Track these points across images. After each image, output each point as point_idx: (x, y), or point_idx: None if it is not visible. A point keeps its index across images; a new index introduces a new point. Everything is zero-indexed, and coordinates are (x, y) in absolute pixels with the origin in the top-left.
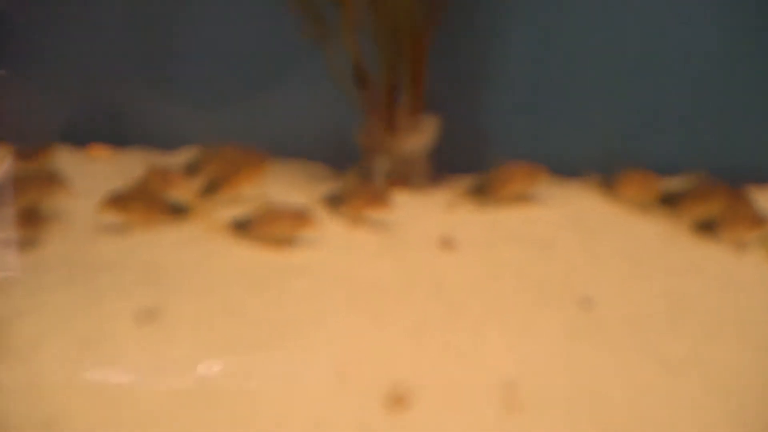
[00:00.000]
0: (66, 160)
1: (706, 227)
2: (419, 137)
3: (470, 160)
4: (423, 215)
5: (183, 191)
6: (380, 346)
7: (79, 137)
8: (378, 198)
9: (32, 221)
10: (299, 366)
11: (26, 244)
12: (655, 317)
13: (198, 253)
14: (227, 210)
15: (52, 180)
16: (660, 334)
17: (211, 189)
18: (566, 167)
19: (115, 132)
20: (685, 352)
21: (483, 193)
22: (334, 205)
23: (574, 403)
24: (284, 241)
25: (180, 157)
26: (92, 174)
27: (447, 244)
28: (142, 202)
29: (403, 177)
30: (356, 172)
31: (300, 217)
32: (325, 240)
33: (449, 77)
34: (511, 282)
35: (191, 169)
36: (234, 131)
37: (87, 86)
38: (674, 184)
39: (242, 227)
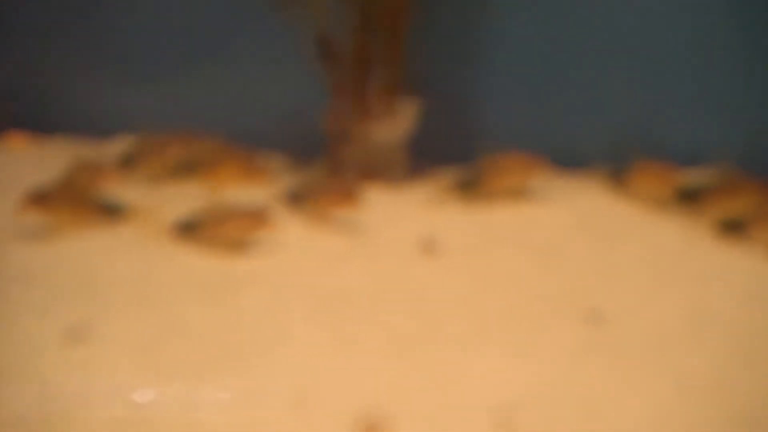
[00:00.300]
0: None
1: (733, 227)
2: (396, 123)
3: (457, 150)
4: (400, 214)
5: (117, 187)
6: (349, 369)
7: None
8: (347, 194)
9: None
10: (253, 393)
11: None
12: (675, 334)
13: (136, 260)
14: (171, 209)
15: None
16: (680, 354)
17: (130, 163)
18: (570, 157)
19: (35, 118)
20: (708, 374)
21: (472, 188)
22: (297, 202)
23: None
24: (237, 246)
25: (114, 148)
26: (9, 167)
27: (428, 248)
28: (69, 200)
29: (377, 169)
30: (322, 163)
31: (256, 217)
32: (285, 244)
33: (432, 52)
34: (506, 294)
35: (127, 162)
36: (177, 115)
37: (1, 65)
38: (695, 176)
39: (188, 229)
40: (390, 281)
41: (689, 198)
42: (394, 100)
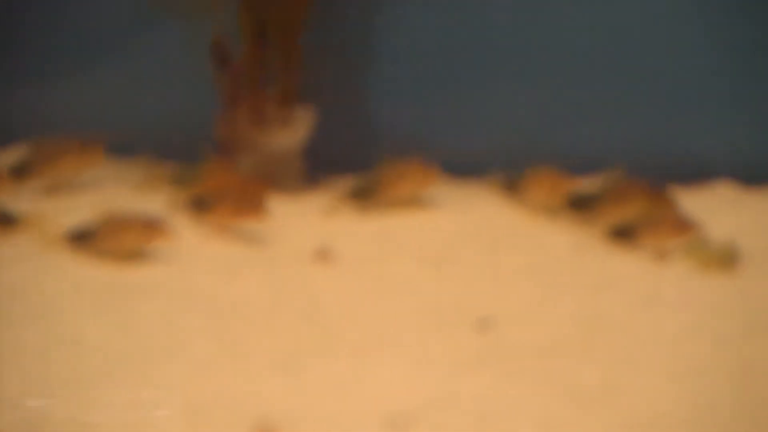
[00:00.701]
0: None
1: (624, 234)
2: (291, 131)
3: (352, 158)
4: (296, 223)
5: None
6: (244, 381)
7: None
8: (246, 203)
9: None
10: (146, 406)
11: None
12: (567, 342)
13: (26, 270)
14: (65, 218)
15: None
16: (571, 361)
17: (23, 172)
18: (465, 166)
19: None
20: (599, 382)
21: (367, 196)
22: (196, 211)
23: None
24: (132, 255)
25: (6, 156)
26: None
27: (324, 257)
28: None
29: (272, 178)
30: (215, 171)
31: (151, 227)
32: (181, 254)
33: (328, 59)
34: (400, 302)
35: (20, 170)
36: (64, 121)
37: None
38: (587, 184)
39: (81, 239)
40: (286, 291)
41: (581, 205)
42: (290, 108)
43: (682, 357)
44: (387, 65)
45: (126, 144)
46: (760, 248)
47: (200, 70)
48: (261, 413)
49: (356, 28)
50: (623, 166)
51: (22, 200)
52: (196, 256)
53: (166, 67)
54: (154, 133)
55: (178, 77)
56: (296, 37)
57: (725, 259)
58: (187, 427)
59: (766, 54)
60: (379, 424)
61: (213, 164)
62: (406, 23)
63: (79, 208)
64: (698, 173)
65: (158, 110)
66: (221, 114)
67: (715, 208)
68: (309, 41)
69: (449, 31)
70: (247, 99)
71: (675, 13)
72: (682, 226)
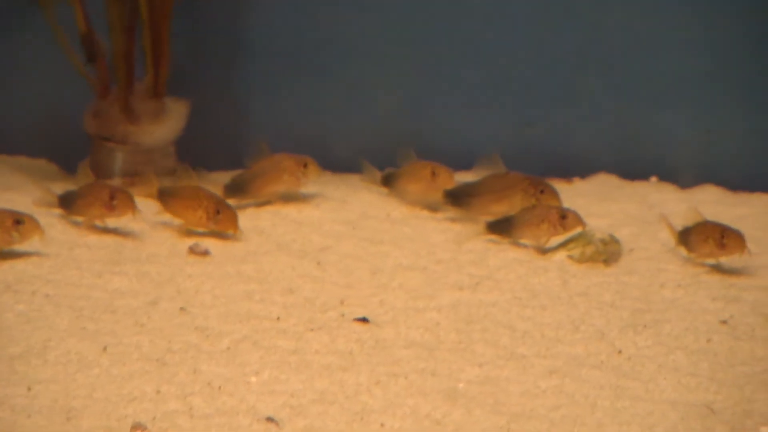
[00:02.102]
0: None
1: (504, 228)
2: (163, 125)
3: (228, 153)
4: (171, 220)
5: None
6: (115, 380)
7: None
8: (117, 200)
9: None
10: (15, 408)
11: None
12: (445, 337)
13: None
14: None
15: None
16: (450, 357)
17: None
18: (340, 160)
19: None
20: (477, 377)
21: (243, 191)
22: (65, 208)
23: None
24: (0, 252)
25: None
26: None
27: (198, 254)
28: None
29: (145, 174)
30: (87, 167)
31: (18, 224)
32: (50, 251)
33: (201, 53)
34: (276, 300)
35: None
36: None
37: None
38: (466, 178)
39: None
40: (159, 288)
41: (460, 199)
42: (162, 102)
43: (561, 351)
44: (261, 60)
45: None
46: (641, 241)
47: (76, 67)
48: (134, 415)
49: (228, 21)
50: (499, 156)
51: None
52: (66, 253)
53: (37, 61)
54: (26, 128)
55: (48, 71)
56: (165, 30)
57: (606, 252)
58: (60, 428)
59: (647, 51)
60: (255, 422)
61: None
62: (279, 19)
63: None
64: (579, 167)
65: (30, 105)
66: (92, 108)
67: (597, 201)
68: (181, 35)
69: (324, 25)
70: (119, 93)
71: (545, 8)
72: (564, 219)
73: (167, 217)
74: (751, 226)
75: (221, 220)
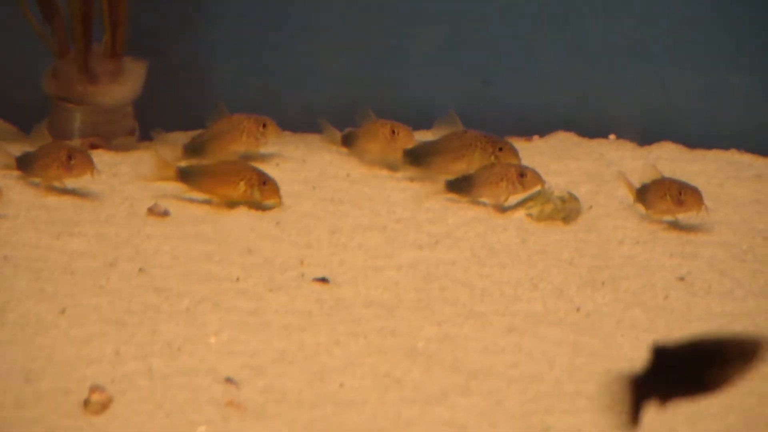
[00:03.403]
0: None
1: (463, 187)
2: (122, 85)
3: (188, 113)
4: (129, 181)
5: None
6: (74, 342)
7: None
8: (75, 160)
9: None
10: None
11: None
12: (405, 296)
13: None
14: None
15: None
16: (409, 316)
17: None
18: (301, 120)
19: None
20: (436, 336)
21: (203, 152)
22: (23, 169)
23: (307, 402)
24: None
25: None
26: None
27: (158, 215)
28: None
29: (105, 134)
30: (45, 128)
31: None
32: (8, 212)
33: (160, 13)
34: (235, 260)
35: None
36: None
37: None
38: (426, 137)
39: None
40: (120, 248)
41: (419, 158)
42: (120, 62)
43: (520, 309)
44: (220, 20)
45: None
46: (600, 199)
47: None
48: (93, 375)
49: None
50: (458, 115)
51: None
52: (25, 214)
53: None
54: None
55: (5, 32)
56: None
57: (565, 210)
58: (22, 390)
59: (606, 8)
60: (215, 382)
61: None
62: None
63: None
64: (538, 125)
65: None
66: (50, 68)
67: (556, 159)
68: None
69: None
70: (77, 53)
71: None
72: (522, 177)
73: (125, 177)
74: (708, 183)
75: (266, 191)
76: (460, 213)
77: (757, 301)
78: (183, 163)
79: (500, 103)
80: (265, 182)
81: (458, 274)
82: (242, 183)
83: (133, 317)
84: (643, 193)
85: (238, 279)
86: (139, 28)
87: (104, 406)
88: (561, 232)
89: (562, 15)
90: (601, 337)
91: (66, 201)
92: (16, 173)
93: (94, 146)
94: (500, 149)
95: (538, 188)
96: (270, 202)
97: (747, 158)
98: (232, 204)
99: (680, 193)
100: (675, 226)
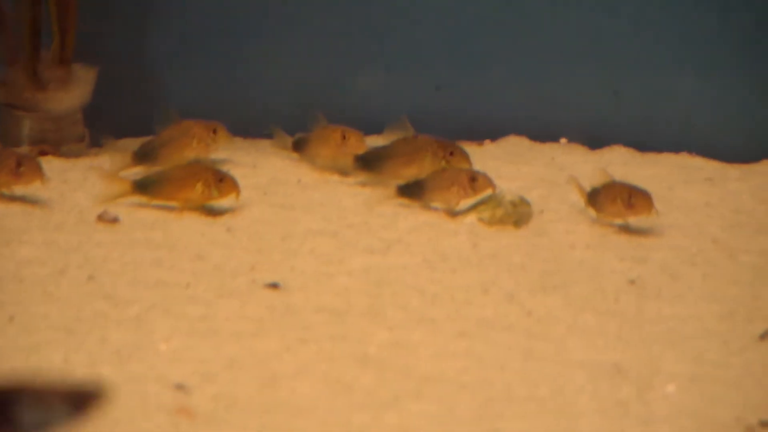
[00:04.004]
0: None
1: (414, 192)
2: (71, 92)
3: (137, 120)
4: (79, 188)
5: None
6: (22, 350)
7: None
8: (24, 167)
9: None
10: None
11: None
12: (356, 302)
13: None
14: None
15: None
16: (361, 322)
17: None
18: (252, 125)
19: None
20: (388, 341)
21: (154, 159)
22: None
23: (258, 408)
24: None
25: None
26: None
27: (108, 221)
28: None
29: (54, 141)
30: None
31: None
32: None
33: (109, 18)
34: (185, 266)
35: None
36: None
37: None
38: (377, 141)
39: None
40: (69, 255)
41: (370, 163)
42: (69, 69)
43: (471, 314)
44: (169, 25)
45: None
46: (551, 203)
47: None
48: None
49: None
50: (410, 120)
51: None
52: None
53: None
54: None
55: None
56: None
57: (517, 214)
58: None
59: (556, 12)
60: (164, 389)
61: None
62: None
63: None
64: (490, 129)
65: None
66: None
67: (508, 163)
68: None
69: None
70: (25, 59)
71: None
72: (474, 182)
73: (75, 183)
74: (659, 186)
75: (224, 187)
76: (412, 218)
77: (707, 304)
78: (133, 170)
79: (452, 108)
80: (222, 179)
81: (409, 279)
82: (199, 184)
83: (82, 325)
84: (594, 197)
85: (188, 285)
86: (87, 35)
87: None
88: (512, 236)
89: (514, 20)
90: (553, 341)
91: (15, 208)
92: None
93: (43, 153)
94: (451, 154)
95: (489, 192)
96: (230, 195)
97: (698, 162)
98: (193, 208)
99: (631, 197)
100: (626, 229)
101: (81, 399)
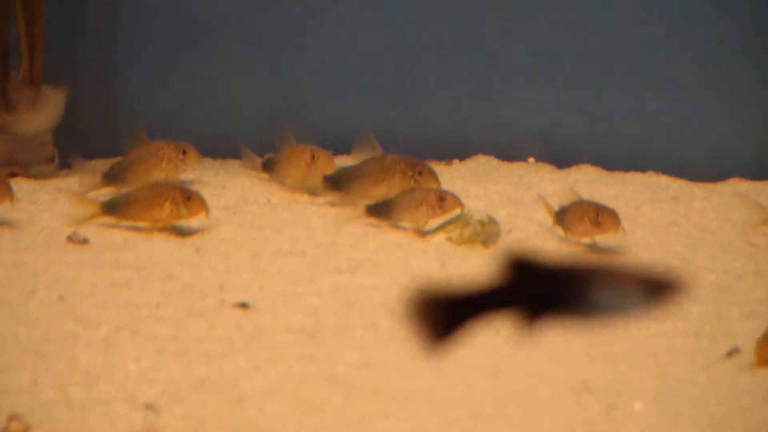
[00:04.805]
0: None
1: (383, 211)
2: (41, 114)
3: (106, 141)
4: (48, 209)
5: None
6: None
7: None
8: None
9: None
10: None
11: None
12: (325, 322)
13: None
14: None
15: None
16: (329, 342)
17: None
18: (220, 145)
19: None
20: (358, 361)
21: (123, 179)
22: None
23: (227, 428)
24: None
25: None
26: None
27: (77, 242)
28: None
29: (23, 162)
30: None
31: None
32: None
33: (77, 39)
34: (154, 287)
35: None
36: None
37: None
38: (347, 162)
39: None
40: (37, 277)
41: (339, 183)
42: (38, 91)
43: None
44: (138, 45)
45: None
46: (519, 222)
47: None
48: (10, 404)
49: (104, 5)
50: (377, 139)
51: None
52: None
53: None
54: None
55: None
56: (39, 16)
57: (485, 233)
58: None
59: (521, 31)
60: (133, 410)
61: None
62: (156, 1)
63: None
64: (458, 149)
65: None
66: None
67: (475, 182)
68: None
69: (203, 8)
70: None
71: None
72: (442, 201)
73: (44, 205)
74: (626, 205)
75: (193, 206)
76: (381, 237)
77: (673, 322)
78: (103, 191)
79: (420, 128)
80: (190, 197)
81: (378, 298)
82: (167, 203)
83: (51, 346)
84: (561, 216)
85: (157, 305)
86: (55, 56)
87: None
88: (481, 255)
89: (480, 39)
90: (521, 358)
91: None
92: None
93: (12, 174)
94: (420, 173)
95: (457, 212)
96: (200, 214)
97: (664, 180)
98: (162, 228)
99: (598, 215)
100: (593, 248)
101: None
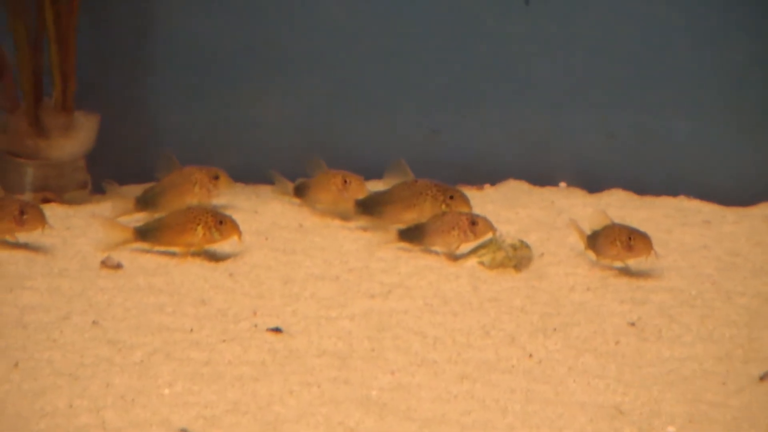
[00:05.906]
0: None
1: (415, 236)
2: (73, 139)
3: (139, 166)
4: (82, 234)
5: None
6: (26, 396)
7: None
8: (27, 215)
9: None
10: None
11: None
12: (358, 345)
13: None
14: None
15: None
16: (362, 365)
17: None
18: (253, 171)
19: None
20: (389, 384)
21: (155, 204)
22: None
23: None
24: None
25: None
26: None
27: (111, 267)
28: None
29: (56, 188)
30: None
31: None
32: None
33: (109, 65)
34: (188, 311)
35: None
36: None
37: None
38: (378, 187)
39: None
40: (72, 301)
41: (371, 207)
42: (71, 116)
43: (472, 357)
44: (169, 72)
45: None
46: (551, 246)
47: None
48: (46, 429)
49: (134, 34)
50: (408, 164)
51: None
52: None
53: None
54: None
55: None
56: (71, 43)
57: (517, 257)
58: None
59: (550, 57)
60: None
61: None
62: (184, 30)
63: None
64: (489, 173)
65: None
66: (1, 124)
67: (507, 207)
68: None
69: (230, 36)
70: (27, 108)
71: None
72: (474, 225)
73: (78, 230)
74: (657, 229)
75: (225, 229)
76: (413, 262)
77: (705, 345)
78: (136, 216)
79: (451, 152)
80: (222, 221)
81: (411, 322)
82: (200, 227)
83: (86, 370)
84: (593, 240)
85: (191, 330)
86: (88, 82)
87: None
88: (512, 279)
89: (510, 64)
90: (553, 383)
91: (18, 255)
92: None
93: (46, 200)
94: (451, 197)
95: (489, 236)
96: (232, 237)
97: (695, 204)
98: (196, 252)
99: (630, 239)
100: (625, 272)
101: None
